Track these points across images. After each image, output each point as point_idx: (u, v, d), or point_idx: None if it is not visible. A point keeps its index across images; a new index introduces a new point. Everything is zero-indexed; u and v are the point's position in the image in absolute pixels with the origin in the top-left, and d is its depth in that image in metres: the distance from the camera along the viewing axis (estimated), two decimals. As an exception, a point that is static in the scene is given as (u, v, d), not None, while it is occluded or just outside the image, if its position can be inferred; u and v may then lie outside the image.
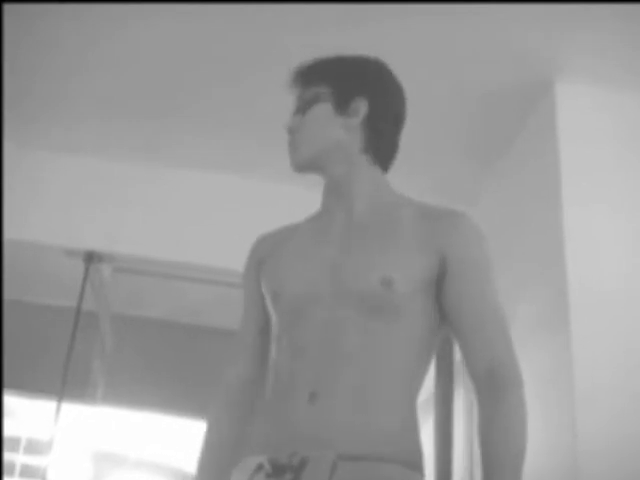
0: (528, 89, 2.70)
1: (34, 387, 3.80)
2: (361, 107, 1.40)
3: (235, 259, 3.27)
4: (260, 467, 1.22)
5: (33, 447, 4.05)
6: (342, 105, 1.40)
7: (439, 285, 1.31)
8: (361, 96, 1.40)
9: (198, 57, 2.69)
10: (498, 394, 1.22)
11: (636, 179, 2.55)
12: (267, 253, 1.45)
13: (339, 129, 1.39)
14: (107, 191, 3.28)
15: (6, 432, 3.88)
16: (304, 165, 1.40)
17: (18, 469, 4.06)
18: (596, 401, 2.18)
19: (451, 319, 1.31)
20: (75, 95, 2.94)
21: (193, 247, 3.23)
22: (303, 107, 1.41)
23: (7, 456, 3.95)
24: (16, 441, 4.09)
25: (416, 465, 1.21)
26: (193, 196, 3.32)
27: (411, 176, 3.15)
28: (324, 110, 1.40)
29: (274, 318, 1.37)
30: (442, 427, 3.02)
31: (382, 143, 1.42)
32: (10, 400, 3.94)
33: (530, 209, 2.72)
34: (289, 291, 1.34)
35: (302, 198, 3.35)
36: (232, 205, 3.31)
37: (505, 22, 2.43)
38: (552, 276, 2.45)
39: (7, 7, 2.46)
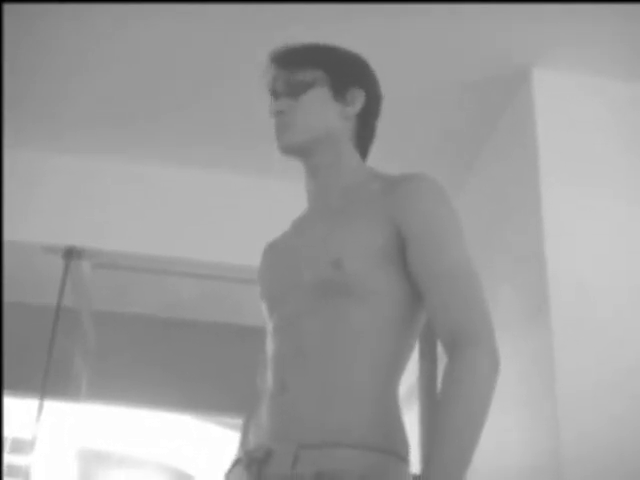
0: (506, 76, 2.69)
1: (17, 386, 3.78)
2: (358, 97, 1.39)
3: (216, 252, 3.27)
4: (239, 461, 1.24)
5: (19, 447, 4.04)
6: (340, 92, 1.38)
7: (401, 256, 1.25)
8: (357, 87, 1.40)
9: (194, 57, 2.67)
10: (458, 354, 1.13)
11: (615, 164, 2.55)
12: (262, 261, 1.46)
13: (336, 116, 1.38)
14: (85, 187, 3.26)
15: (-9, 432, 3.86)
16: (295, 149, 1.36)
17: (4, 469, 4.05)
18: (577, 386, 2.18)
19: (417, 288, 1.24)
20: (57, 94, 2.91)
21: (173, 241, 3.21)
22: (294, 90, 1.37)
23: (-7, 456, 3.94)
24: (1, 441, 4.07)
25: (390, 451, 1.16)
26: (172, 191, 3.30)
27: (392, 167, 3.15)
28: (322, 95, 1.37)
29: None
30: (427, 415, 3.03)
31: (367, 134, 1.43)
32: (-6, 400, 3.91)
33: (510, 197, 2.72)
34: (265, 290, 1.36)
35: (282, 191, 3.35)
36: (212, 199, 3.30)
37: (482, 10, 2.42)
38: (532, 265, 2.45)
39: (7, 7, 2.45)
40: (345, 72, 1.39)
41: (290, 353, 1.24)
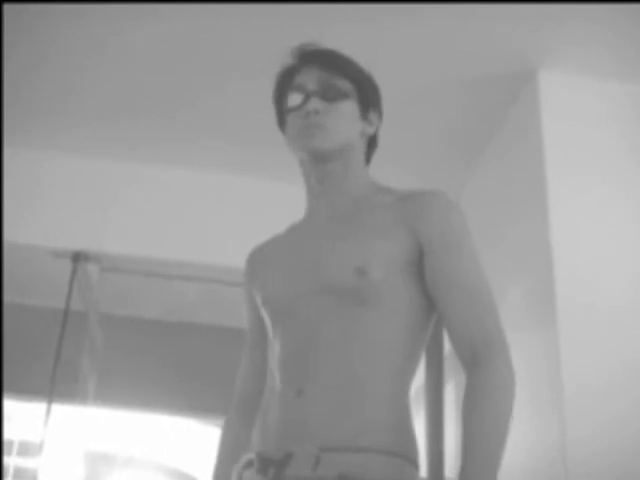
0: (511, 78, 2.70)
1: (25, 389, 3.79)
2: (375, 119, 1.45)
3: (223, 255, 3.27)
4: (250, 463, 1.24)
5: (26, 449, 4.05)
6: (365, 111, 1.43)
7: (419, 265, 1.30)
8: (375, 109, 1.45)
9: (191, 57, 2.68)
10: (479, 368, 1.20)
11: (620, 166, 2.56)
12: (257, 265, 1.48)
13: (357, 132, 1.42)
14: (93, 190, 3.27)
15: (-1, 435, 3.87)
16: (325, 153, 1.37)
17: (11, 472, 4.06)
18: (584, 386, 2.18)
19: (433, 298, 1.29)
20: (61, 95, 2.92)
21: (180, 245, 3.22)
22: (330, 95, 1.39)
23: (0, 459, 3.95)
24: (9, 444, 4.08)
25: (405, 456, 1.20)
26: (179, 194, 3.31)
27: (394, 168, 3.14)
28: (353, 109, 1.41)
29: (267, 324, 1.39)
30: (433, 420, 3.03)
31: (372, 154, 1.49)
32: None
33: (516, 197, 2.73)
34: (273, 294, 1.37)
35: (288, 195, 3.35)
36: (218, 202, 3.31)
37: (488, 11, 2.42)
38: (538, 265, 2.45)
39: (7, 7, 2.44)
40: (371, 93, 1.44)
41: (306, 357, 1.26)
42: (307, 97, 1.38)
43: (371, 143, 1.48)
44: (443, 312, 1.27)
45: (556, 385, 2.21)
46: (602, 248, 2.40)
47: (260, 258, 1.48)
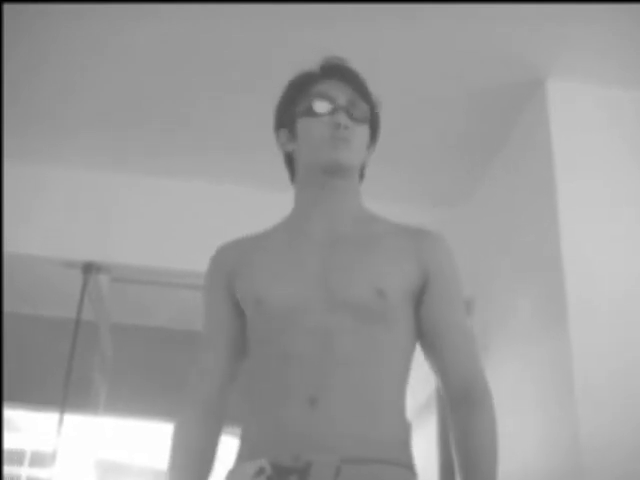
0: (520, 87, 2.71)
1: (36, 400, 3.80)
2: (372, 150, 1.51)
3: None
4: (261, 470, 1.22)
5: (38, 460, 4.05)
6: (370, 140, 1.48)
7: (419, 297, 1.38)
8: (374, 142, 1.50)
9: (191, 58, 2.69)
10: (474, 408, 1.29)
11: (629, 173, 2.56)
12: (237, 262, 1.43)
13: (363, 158, 1.47)
14: (103, 202, 3.29)
15: (10, 445, 3.88)
16: (346, 168, 1.40)
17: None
18: (596, 394, 2.18)
19: (426, 331, 1.37)
20: (69, 106, 2.94)
21: (190, 254, 3.22)
22: (355, 114, 1.41)
23: (12, 470, 3.95)
24: (21, 454, 4.09)
25: (410, 466, 1.27)
26: (189, 204, 3.32)
27: (405, 176, 3.15)
28: (367, 135, 1.45)
29: (257, 325, 1.36)
30: (445, 429, 3.02)
31: (361, 183, 1.52)
32: (13, 414, 3.94)
33: (525, 205, 2.73)
34: (274, 297, 1.34)
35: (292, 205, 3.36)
36: (225, 212, 3.31)
37: (495, 21, 2.43)
38: (549, 270, 2.45)
39: (7, 7, 2.45)
40: (377, 125, 1.50)
41: (319, 367, 1.27)
42: (336, 109, 1.40)
43: (362, 175, 1.52)
44: (438, 348, 1.36)
45: (568, 388, 2.21)
46: (613, 254, 2.40)
47: (240, 255, 1.44)
